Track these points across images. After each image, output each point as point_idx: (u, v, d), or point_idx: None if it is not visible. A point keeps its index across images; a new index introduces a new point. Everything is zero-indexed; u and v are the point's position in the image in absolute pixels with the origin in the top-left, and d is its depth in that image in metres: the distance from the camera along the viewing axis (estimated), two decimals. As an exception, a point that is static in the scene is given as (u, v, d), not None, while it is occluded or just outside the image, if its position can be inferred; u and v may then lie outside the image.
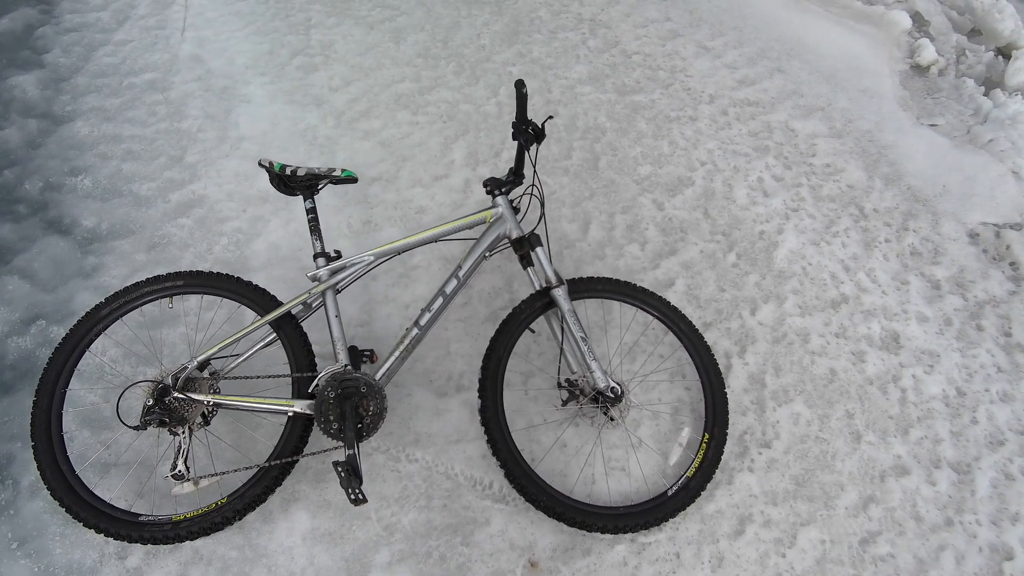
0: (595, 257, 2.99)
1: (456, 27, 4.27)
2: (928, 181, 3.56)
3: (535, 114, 3.55)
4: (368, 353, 2.30)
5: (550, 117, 2.30)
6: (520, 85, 2.09)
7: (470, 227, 2.30)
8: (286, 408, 2.09)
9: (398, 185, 3.23)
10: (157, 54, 3.90)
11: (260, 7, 4.34)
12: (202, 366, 2.14)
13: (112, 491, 2.15)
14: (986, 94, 4.28)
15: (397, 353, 2.19)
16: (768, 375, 2.66)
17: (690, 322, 2.46)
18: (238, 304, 2.38)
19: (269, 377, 2.16)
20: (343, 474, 1.82)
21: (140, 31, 4.06)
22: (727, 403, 2.38)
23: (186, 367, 2.08)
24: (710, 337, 2.71)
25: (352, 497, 1.82)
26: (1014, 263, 3.17)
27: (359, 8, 4.39)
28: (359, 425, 2.04)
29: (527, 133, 2.17)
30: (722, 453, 2.30)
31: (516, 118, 2.17)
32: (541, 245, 2.27)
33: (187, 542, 2.05)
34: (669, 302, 2.47)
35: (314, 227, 2.26)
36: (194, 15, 4.22)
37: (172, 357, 2.51)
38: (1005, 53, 4.71)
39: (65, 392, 2.12)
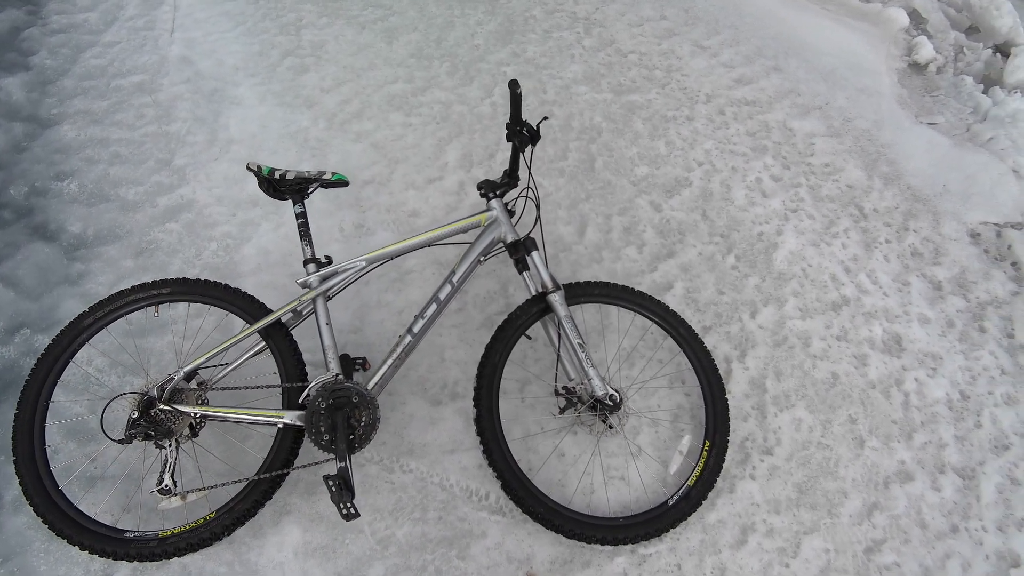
0: (592, 260, 2.94)
1: (449, 27, 4.21)
2: (928, 180, 3.51)
3: (530, 115, 3.51)
4: (360, 361, 2.25)
5: (545, 118, 2.26)
6: (514, 85, 2.04)
7: (464, 231, 2.25)
8: (276, 419, 2.03)
9: (391, 188, 3.17)
10: (145, 56, 3.83)
11: (250, 7, 4.27)
12: (189, 376, 2.08)
13: (98, 506, 2.09)
14: (985, 92, 4.25)
15: (390, 361, 2.13)
16: (769, 380, 2.61)
17: (690, 327, 2.41)
18: (226, 312, 2.32)
19: (258, 388, 2.11)
20: (335, 488, 1.77)
21: (128, 32, 3.99)
22: (728, 409, 2.33)
23: (172, 378, 2.02)
24: (709, 341, 2.66)
25: (344, 512, 1.77)
26: (1016, 263, 3.13)
27: (350, 8, 4.32)
28: (351, 436, 1.99)
29: (521, 134, 2.12)
30: (723, 461, 2.25)
31: (510, 119, 2.12)
32: (537, 249, 2.23)
33: (175, 558, 1.99)
34: (668, 306, 2.42)
35: (304, 232, 2.19)
36: (183, 16, 4.15)
37: (160, 367, 2.45)
38: (1003, 50, 4.68)
39: (48, 404, 2.06)
